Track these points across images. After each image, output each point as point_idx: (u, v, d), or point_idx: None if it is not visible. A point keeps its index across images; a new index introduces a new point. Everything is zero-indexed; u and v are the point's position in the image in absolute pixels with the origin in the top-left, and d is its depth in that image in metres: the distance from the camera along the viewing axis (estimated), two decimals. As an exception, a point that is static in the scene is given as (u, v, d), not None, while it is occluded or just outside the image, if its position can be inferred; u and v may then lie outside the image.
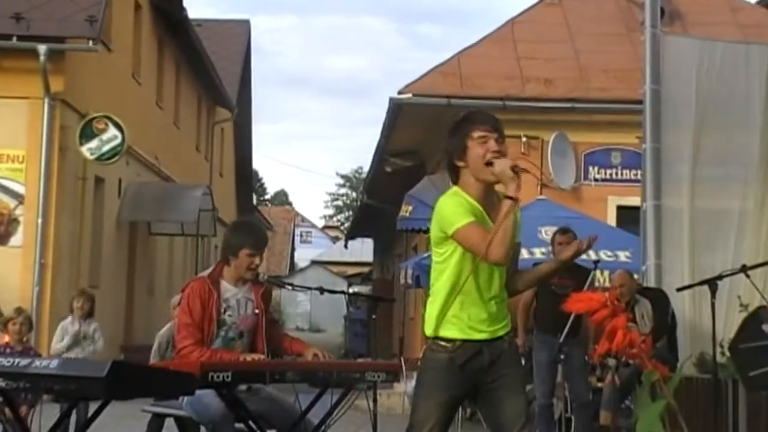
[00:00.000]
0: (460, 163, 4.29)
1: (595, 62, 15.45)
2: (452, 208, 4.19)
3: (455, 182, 4.34)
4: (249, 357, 5.28)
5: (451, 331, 4.22)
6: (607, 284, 10.20)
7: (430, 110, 15.27)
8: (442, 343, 4.23)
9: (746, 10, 17.19)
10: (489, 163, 4.19)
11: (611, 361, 8.34)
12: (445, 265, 4.25)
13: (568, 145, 14.73)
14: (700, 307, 8.20)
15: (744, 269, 6.57)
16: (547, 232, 9.25)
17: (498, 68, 15.38)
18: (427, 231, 16.07)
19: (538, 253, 10.82)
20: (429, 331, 4.27)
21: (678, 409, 2.50)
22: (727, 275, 6.58)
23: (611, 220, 14.40)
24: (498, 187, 4.27)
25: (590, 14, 16.70)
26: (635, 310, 8.51)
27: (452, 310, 4.21)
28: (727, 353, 6.97)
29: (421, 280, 12.63)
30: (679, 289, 7.65)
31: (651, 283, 8.71)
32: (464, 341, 4.22)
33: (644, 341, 2.87)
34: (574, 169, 14.72)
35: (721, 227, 8.73)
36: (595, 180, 14.87)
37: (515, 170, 4.10)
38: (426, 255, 13.87)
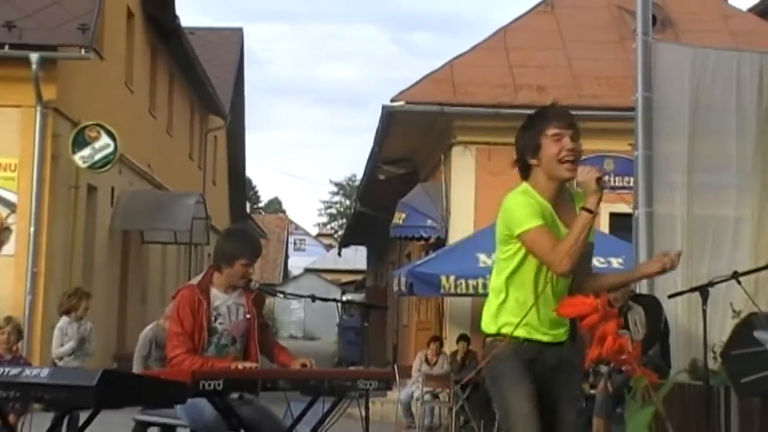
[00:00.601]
0: (533, 161, 4.18)
1: (587, 70, 15.48)
2: (521, 208, 4.07)
3: (525, 179, 4.22)
4: (241, 365, 5.26)
5: (511, 329, 4.07)
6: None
7: (423, 118, 15.29)
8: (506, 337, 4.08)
9: (738, 17, 17.24)
10: (562, 161, 4.09)
11: (604, 368, 8.34)
12: (508, 263, 4.14)
13: (561, 153, 14.73)
14: (693, 314, 8.18)
15: (735, 275, 6.55)
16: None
17: (491, 76, 15.40)
18: (419, 238, 16.15)
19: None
20: (490, 329, 4.15)
21: (666, 416, 2.49)
22: (718, 282, 6.56)
23: (603, 227, 14.39)
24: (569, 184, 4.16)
25: (583, 22, 16.74)
26: (628, 316, 8.50)
27: (512, 309, 4.10)
28: (719, 360, 6.96)
29: (415, 287, 12.59)
30: (670, 296, 7.63)
31: (644, 289, 8.71)
32: (525, 340, 4.09)
33: (633, 347, 2.86)
34: (566, 177, 14.72)
35: (715, 234, 8.71)
36: (588, 187, 14.87)
37: (600, 183, 4.00)
38: (419, 262, 13.86)
